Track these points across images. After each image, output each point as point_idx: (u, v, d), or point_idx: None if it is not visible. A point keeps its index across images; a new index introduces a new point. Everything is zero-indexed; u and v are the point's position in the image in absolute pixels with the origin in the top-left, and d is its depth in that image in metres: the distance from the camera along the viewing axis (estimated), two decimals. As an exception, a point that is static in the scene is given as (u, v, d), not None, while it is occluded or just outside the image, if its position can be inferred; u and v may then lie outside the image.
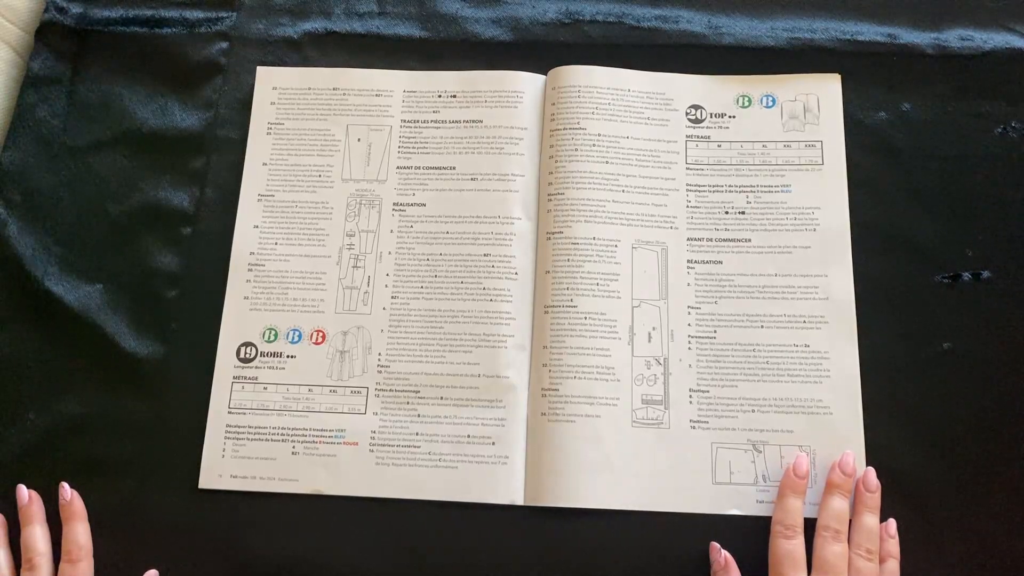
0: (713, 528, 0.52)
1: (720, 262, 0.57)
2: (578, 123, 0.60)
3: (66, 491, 0.52)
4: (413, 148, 0.61)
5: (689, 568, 0.52)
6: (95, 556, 0.52)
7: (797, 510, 0.50)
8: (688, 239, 0.58)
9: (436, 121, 0.62)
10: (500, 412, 0.55)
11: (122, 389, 0.56)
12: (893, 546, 0.50)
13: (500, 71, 0.62)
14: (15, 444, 0.55)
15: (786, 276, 0.57)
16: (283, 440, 0.55)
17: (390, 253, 0.59)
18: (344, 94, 0.62)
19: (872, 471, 0.51)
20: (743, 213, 0.58)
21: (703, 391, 0.55)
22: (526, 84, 0.62)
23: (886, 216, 0.58)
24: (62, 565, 0.50)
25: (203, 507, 0.53)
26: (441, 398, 0.55)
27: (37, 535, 0.51)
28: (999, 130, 0.60)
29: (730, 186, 0.59)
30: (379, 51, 0.64)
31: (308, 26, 0.64)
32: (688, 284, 0.57)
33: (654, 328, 0.56)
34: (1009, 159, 0.59)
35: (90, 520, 0.53)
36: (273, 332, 0.57)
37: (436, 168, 0.60)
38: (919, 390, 0.54)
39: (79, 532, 0.51)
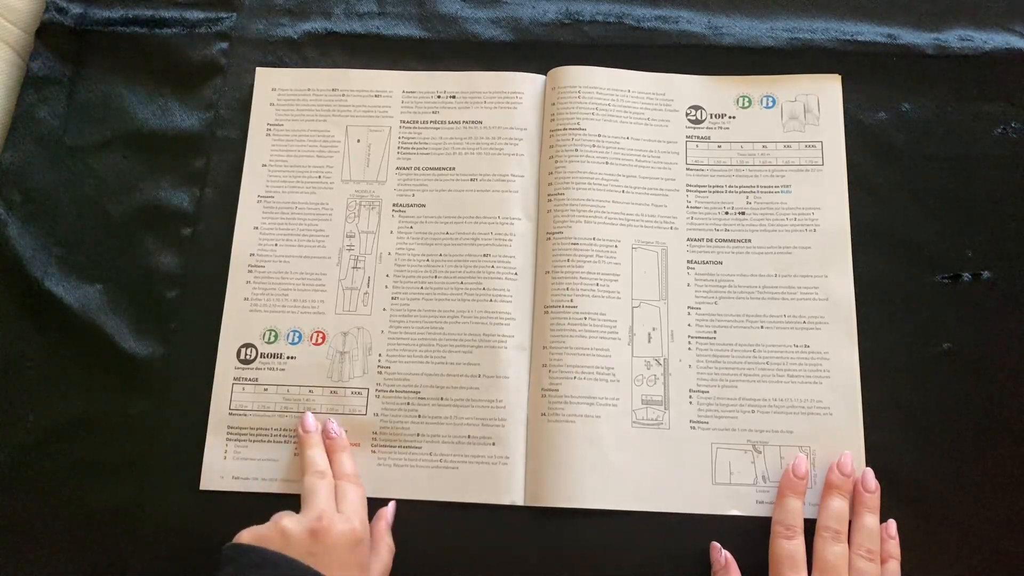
0: (713, 528, 0.52)
1: (720, 262, 0.57)
2: (578, 124, 0.60)
3: (333, 427, 0.54)
4: (413, 149, 0.61)
5: (689, 568, 0.52)
6: (96, 556, 0.52)
7: (797, 510, 0.50)
8: (688, 239, 0.58)
9: (436, 122, 0.61)
10: (500, 412, 0.55)
11: (122, 389, 0.56)
12: (894, 547, 0.50)
13: (500, 72, 0.62)
14: (15, 444, 0.55)
15: (786, 276, 0.57)
16: (285, 441, 0.55)
17: (390, 254, 0.59)
18: (343, 95, 0.62)
19: (871, 472, 0.51)
20: (743, 213, 0.58)
21: (703, 391, 0.55)
22: (526, 85, 0.62)
23: (886, 216, 0.58)
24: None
25: (205, 508, 0.53)
26: (441, 399, 0.55)
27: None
28: (999, 130, 0.60)
29: (730, 186, 0.59)
30: (379, 51, 0.63)
31: (308, 26, 0.64)
32: (688, 284, 0.57)
33: (654, 328, 0.56)
34: (1009, 159, 0.59)
35: (90, 520, 0.53)
36: (273, 333, 0.57)
37: (436, 169, 0.60)
38: (919, 390, 0.54)
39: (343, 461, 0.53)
